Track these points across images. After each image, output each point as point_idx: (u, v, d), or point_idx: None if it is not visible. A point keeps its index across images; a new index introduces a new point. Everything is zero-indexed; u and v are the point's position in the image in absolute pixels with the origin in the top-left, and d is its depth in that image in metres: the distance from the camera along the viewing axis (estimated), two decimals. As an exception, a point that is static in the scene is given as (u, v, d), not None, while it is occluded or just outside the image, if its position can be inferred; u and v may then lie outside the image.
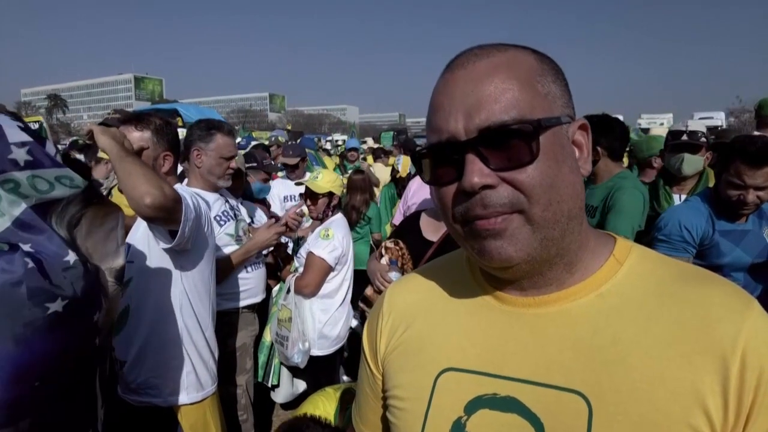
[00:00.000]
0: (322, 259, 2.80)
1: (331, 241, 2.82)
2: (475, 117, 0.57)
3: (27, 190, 1.03)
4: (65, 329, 1.03)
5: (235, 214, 2.57)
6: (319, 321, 2.88)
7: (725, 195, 2.07)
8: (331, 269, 2.87)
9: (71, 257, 1.05)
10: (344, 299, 3.00)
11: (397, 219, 3.18)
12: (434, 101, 0.63)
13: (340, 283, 2.96)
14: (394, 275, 2.08)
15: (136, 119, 2.04)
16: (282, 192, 4.45)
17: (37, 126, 7.22)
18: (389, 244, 2.19)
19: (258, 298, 2.66)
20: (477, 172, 0.57)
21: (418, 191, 2.98)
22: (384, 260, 2.16)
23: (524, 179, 0.57)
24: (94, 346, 1.15)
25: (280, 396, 3.19)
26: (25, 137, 1.06)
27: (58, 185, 1.08)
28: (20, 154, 1.04)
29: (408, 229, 2.22)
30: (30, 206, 1.03)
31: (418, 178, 3.11)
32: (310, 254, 2.84)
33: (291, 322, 2.86)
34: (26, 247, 1.00)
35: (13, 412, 0.96)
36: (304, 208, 3.06)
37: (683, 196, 2.69)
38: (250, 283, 2.58)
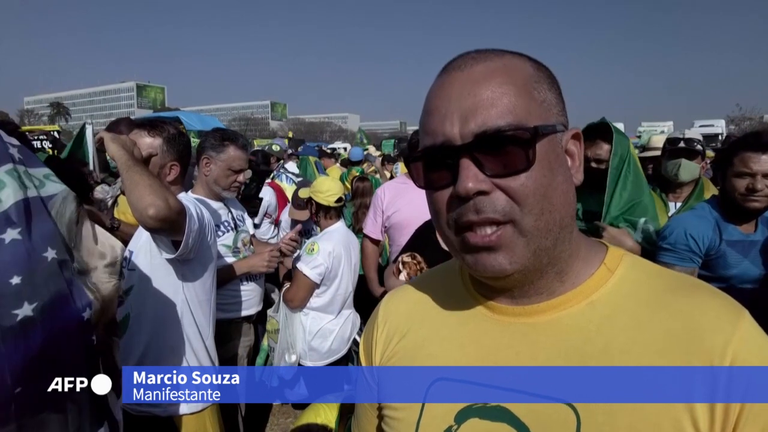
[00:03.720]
0: (305, 276, 2.73)
1: (315, 257, 2.74)
2: (471, 121, 0.57)
3: (27, 182, 1.11)
4: (39, 333, 1.03)
5: (236, 225, 2.55)
6: (309, 332, 2.82)
7: (732, 189, 2.04)
8: (316, 285, 2.79)
9: (50, 254, 1.07)
10: (339, 312, 2.92)
11: (370, 230, 3.00)
12: (429, 103, 0.62)
13: (332, 297, 2.87)
14: None
15: (150, 125, 2.05)
16: None
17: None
18: (406, 258, 2.07)
19: (253, 310, 2.65)
20: (472, 178, 0.56)
21: (395, 200, 2.84)
22: (402, 276, 2.05)
23: (517, 187, 0.56)
24: (91, 343, 1.16)
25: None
26: (15, 141, 1.16)
27: (49, 182, 1.16)
28: (14, 152, 1.13)
29: (424, 241, 2.08)
30: (30, 197, 1.09)
31: (389, 186, 3.01)
32: (295, 269, 2.79)
33: (278, 334, 2.82)
34: (13, 234, 1.03)
35: None
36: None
37: (678, 204, 2.71)
38: (246, 295, 2.57)
